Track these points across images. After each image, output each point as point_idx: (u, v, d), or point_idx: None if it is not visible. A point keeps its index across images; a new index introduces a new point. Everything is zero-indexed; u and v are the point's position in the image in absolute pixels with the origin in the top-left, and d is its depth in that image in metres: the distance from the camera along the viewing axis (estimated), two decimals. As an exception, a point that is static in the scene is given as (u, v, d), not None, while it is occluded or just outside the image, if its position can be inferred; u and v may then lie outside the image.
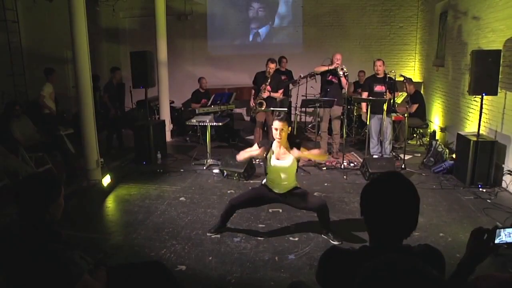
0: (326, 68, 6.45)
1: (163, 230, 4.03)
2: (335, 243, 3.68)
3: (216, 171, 5.92)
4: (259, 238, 3.81)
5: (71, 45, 5.15)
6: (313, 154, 3.88)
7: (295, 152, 3.60)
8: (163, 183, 5.50)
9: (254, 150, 3.74)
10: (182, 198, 4.91)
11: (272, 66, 6.44)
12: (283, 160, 3.63)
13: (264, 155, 3.67)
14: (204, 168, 6.11)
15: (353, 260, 1.47)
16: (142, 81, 6.28)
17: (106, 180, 5.27)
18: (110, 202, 4.89)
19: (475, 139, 5.15)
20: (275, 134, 3.57)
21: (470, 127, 6.13)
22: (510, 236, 1.49)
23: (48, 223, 1.94)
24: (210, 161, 6.23)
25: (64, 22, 5.45)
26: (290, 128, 3.61)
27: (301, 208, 3.89)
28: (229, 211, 3.87)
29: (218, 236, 3.87)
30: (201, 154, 6.65)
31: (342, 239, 3.72)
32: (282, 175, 3.65)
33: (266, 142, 3.75)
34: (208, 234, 3.90)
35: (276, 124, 3.55)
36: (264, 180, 3.86)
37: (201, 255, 3.51)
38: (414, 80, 8.73)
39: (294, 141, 3.72)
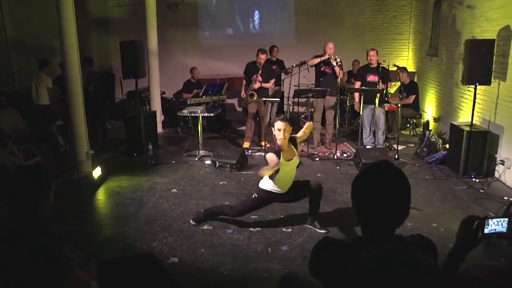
0: (319, 60, 6.40)
1: (155, 222, 3.99)
2: (322, 231, 3.70)
3: (208, 162, 5.87)
4: (252, 230, 3.79)
5: (58, 35, 5.03)
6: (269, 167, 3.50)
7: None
8: (154, 174, 5.44)
9: (274, 165, 3.44)
10: (174, 190, 4.86)
11: (263, 56, 6.37)
12: (292, 159, 3.61)
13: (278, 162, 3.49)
14: (196, 159, 6.06)
15: (346, 251, 1.48)
16: (132, 71, 6.16)
17: (97, 172, 5.19)
18: (101, 195, 4.83)
19: (468, 129, 5.15)
20: (278, 134, 3.48)
21: (463, 117, 6.13)
22: (499, 225, 1.48)
23: (39, 217, 1.91)
24: (202, 152, 6.17)
25: (52, 11, 5.33)
26: (291, 127, 3.53)
27: (304, 195, 3.79)
28: (223, 215, 3.85)
29: (211, 227, 3.84)
30: (193, 145, 6.59)
31: (328, 228, 3.73)
32: (294, 173, 3.67)
33: (274, 149, 3.54)
34: (191, 222, 3.88)
35: (279, 125, 3.46)
36: (270, 187, 3.64)
37: (193, 247, 3.48)
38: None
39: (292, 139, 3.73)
